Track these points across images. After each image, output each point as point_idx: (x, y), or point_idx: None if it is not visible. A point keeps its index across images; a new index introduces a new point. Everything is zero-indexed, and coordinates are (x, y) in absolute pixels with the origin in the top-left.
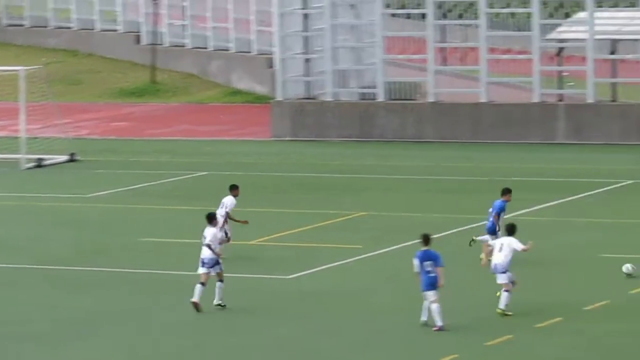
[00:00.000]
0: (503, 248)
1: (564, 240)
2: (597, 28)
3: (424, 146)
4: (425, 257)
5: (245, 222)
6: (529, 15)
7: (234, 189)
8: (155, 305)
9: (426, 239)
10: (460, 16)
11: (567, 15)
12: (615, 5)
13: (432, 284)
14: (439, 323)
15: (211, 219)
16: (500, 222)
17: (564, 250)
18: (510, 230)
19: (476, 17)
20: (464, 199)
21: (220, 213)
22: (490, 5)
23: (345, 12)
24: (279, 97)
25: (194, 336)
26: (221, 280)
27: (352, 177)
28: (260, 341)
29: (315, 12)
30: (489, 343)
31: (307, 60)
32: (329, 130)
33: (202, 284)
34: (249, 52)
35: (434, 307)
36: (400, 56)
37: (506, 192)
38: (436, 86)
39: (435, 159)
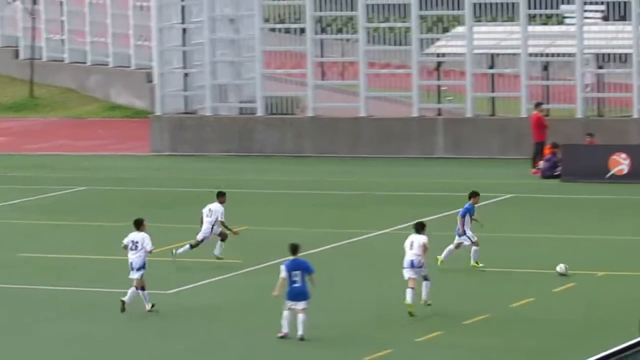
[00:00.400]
0: (414, 245)
1: (442, 254)
2: (475, 43)
3: (303, 161)
4: (294, 266)
5: (236, 232)
6: (407, 29)
7: (221, 196)
8: (35, 320)
9: (294, 249)
10: (339, 31)
11: (446, 30)
12: (493, 20)
13: (298, 294)
14: (300, 332)
15: (139, 224)
16: (466, 225)
17: (443, 263)
18: (420, 228)
19: (355, 32)
20: (344, 213)
21: (209, 221)
22: (369, 20)
23: (224, 26)
24: (158, 111)
25: (74, 352)
26: (136, 287)
27: (232, 192)
28: (141, 358)
29: (194, 27)
30: (366, 358)
31: (186, 75)
32: (208, 145)
33: (137, 287)
34: (128, 66)
35: (301, 316)
36: (280, 71)
37: (474, 195)
38: (315, 101)
39: (315, 174)
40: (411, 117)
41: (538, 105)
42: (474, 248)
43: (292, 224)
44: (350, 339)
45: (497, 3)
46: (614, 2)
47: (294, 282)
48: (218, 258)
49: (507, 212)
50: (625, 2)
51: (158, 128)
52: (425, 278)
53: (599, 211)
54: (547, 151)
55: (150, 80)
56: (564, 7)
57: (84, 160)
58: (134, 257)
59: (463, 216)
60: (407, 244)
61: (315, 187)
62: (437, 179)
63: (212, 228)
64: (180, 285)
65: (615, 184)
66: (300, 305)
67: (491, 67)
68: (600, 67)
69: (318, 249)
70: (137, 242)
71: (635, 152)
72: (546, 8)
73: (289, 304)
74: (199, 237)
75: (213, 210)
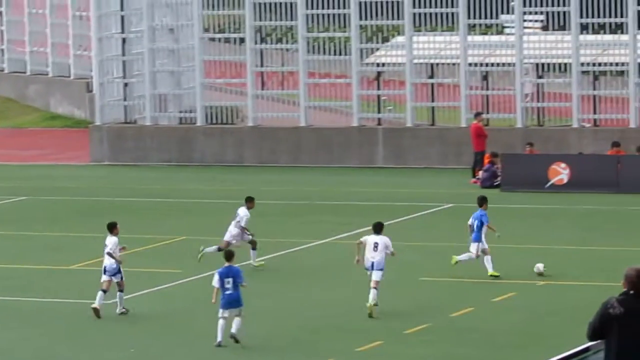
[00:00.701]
0: (379, 247)
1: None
2: (415, 52)
3: (244, 170)
4: (227, 273)
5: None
6: (347, 39)
7: (249, 201)
8: None
9: (229, 256)
10: (279, 40)
11: (386, 40)
12: (433, 30)
13: (231, 302)
14: (233, 330)
15: (112, 227)
16: (483, 230)
17: (386, 274)
18: (379, 229)
19: (295, 42)
20: (284, 222)
21: (233, 225)
22: (309, 30)
23: (164, 36)
24: (98, 121)
25: None
26: (121, 290)
27: (172, 202)
28: None
29: (133, 37)
30: None
31: (126, 85)
32: (148, 155)
33: (104, 291)
34: (68, 76)
35: (237, 320)
36: (220, 80)
37: (483, 201)
38: (255, 110)
39: (255, 183)
40: (351, 127)
41: (478, 115)
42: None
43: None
44: (290, 348)
45: (436, 13)
46: (553, 12)
47: (227, 289)
48: (256, 267)
49: (447, 221)
50: (564, 12)
51: (98, 138)
52: (375, 287)
53: (538, 220)
54: (486, 161)
55: (90, 90)
56: (503, 17)
57: (24, 170)
58: (108, 262)
59: (476, 223)
60: (369, 245)
61: (255, 196)
62: (377, 189)
63: (241, 234)
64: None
65: (555, 193)
66: (235, 312)
67: (431, 76)
68: (539, 77)
69: (258, 259)
70: (106, 246)
71: (574, 162)
72: (486, 18)
73: (224, 312)
74: (225, 239)
75: (239, 215)
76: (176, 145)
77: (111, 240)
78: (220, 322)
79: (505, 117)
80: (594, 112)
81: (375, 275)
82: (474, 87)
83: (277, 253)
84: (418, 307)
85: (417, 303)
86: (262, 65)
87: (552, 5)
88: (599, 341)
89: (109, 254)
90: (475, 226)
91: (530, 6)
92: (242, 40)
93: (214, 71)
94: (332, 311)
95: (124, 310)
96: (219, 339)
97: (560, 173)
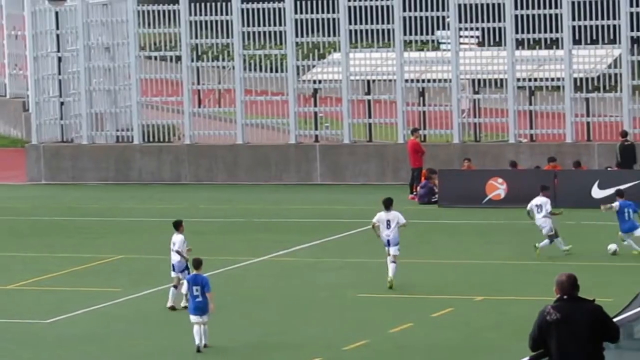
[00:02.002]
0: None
1: (320, 280)
2: (351, 69)
3: (181, 188)
4: (195, 281)
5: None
6: (283, 56)
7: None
8: None
9: (197, 263)
10: (216, 58)
11: (322, 57)
12: (369, 47)
13: (199, 309)
14: (204, 341)
15: (178, 225)
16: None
17: (320, 290)
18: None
19: (231, 59)
20: (222, 240)
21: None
22: (245, 47)
23: (100, 54)
24: (34, 140)
25: None
26: (175, 287)
27: (110, 220)
28: None
29: (69, 55)
30: None
31: (62, 104)
32: (85, 174)
33: (175, 286)
34: (3, 95)
35: (204, 327)
36: (156, 98)
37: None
38: (192, 128)
39: (192, 201)
40: (288, 144)
41: (415, 131)
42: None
43: (169, 252)
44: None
45: (372, 29)
46: (488, 28)
47: (196, 296)
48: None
49: None
50: (499, 28)
51: (34, 157)
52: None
53: (476, 236)
54: (423, 177)
55: (26, 109)
56: (439, 33)
57: None
58: (175, 259)
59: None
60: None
61: (193, 214)
62: (314, 206)
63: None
64: (58, 314)
65: (492, 208)
66: (203, 319)
67: (367, 93)
68: (476, 93)
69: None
70: (174, 243)
71: (511, 177)
72: (422, 34)
73: (194, 318)
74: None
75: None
76: (113, 164)
77: (178, 238)
78: (195, 328)
79: (442, 133)
80: (531, 127)
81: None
82: (410, 104)
83: (215, 271)
84: (356, 324)
85: (355, 319)
86: (198, 83)
87: (488, 21)
88: (540, 351)
89: (178, 252)
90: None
91: (465, 22)
92: (178, 58)
93: (150, 89)
94: (270, 328)
95: (172, 304)
96: (196, 341)
97: (498, 188)
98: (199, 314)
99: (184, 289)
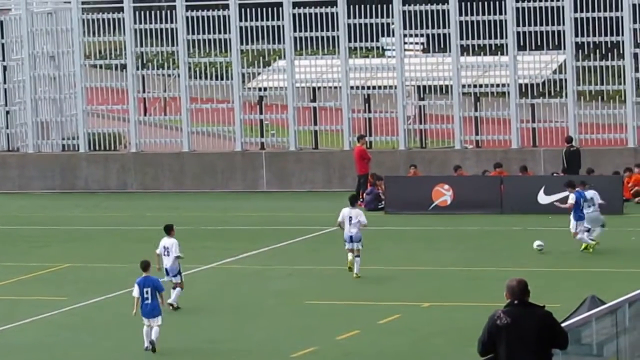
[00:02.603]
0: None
1: (268, 288)
2: (297, 76)
3: (127, 196)
4: (145, 283)
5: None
6: (228, 64)
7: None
8: None
9: (145, 266)
10: (161, 66)
11: (267, 64)
12: (314, 54)
13: (151, 311)
14: (154, 342)
15: (169, 230)
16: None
17: (268, 297)
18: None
19: (176, 67)
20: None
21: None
22: (190, 55)
23: (45, 63)
24: None
25: None
26: (182, 288)
27: (56, 229)
28: None
29: (14, 64)
30: None
31: (8, 112)
32: (31, 182)
33: (174, 288)
34: None
35: (155, 329)
36: (102, 107)
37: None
38: (138, 136)
39: (139, 209)
40: (234, 152)
41: (361, 137)
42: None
43: (116, 260)
44: None
45: (317, 37)
46: (433, 34)
47: (146, 299)
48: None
49: (332, 245)
50: (444, 34)
51: None
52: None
53: (423, 242)
54: (370, 183)
55: None
56: (384, 40)
57: None
58: (168, 263)
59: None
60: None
61: (139, 222)
62: (261, 213)
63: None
64: (5, 323)
65: (439, 215)
66: (154, 321)
67: (313, 100)
68: (421, 99)
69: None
70: (168, 248)
71: (457, 183)
72: (366, 41)
73: (145, 321)
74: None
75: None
76: (59, 172)
77: (171, 242)
78: (145, 329)
79: (387, 140)
80: (476, 134)
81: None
82: (356, 110)
83: (162, 279)
84: (304, 331)
85: (303, 326)
86: (144, 91)
87: (432, 28)
88: (490, 356)
89: (178, 257)
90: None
91: (410, 29)
92: (123, 66)
93: (96, 98)
94: (218, 335)
95: (175, 304)
96: (145, 344)
97: (444, 194)
98: (150, 316)
99: (135, 292)
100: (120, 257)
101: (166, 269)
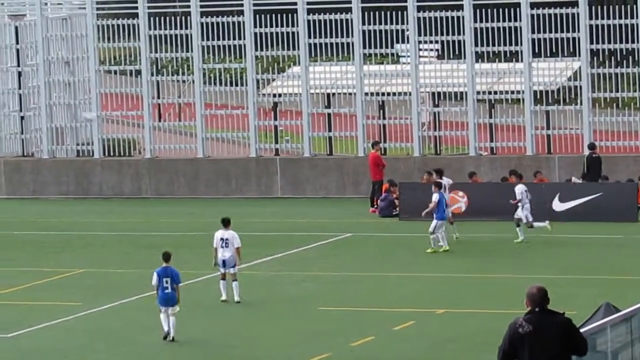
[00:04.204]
0: (228, 244)
1: (281, 293)
2: (311, 82)
3: (142, 202)
4: (165, 273)
5: None
6: (243, 70)
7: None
8: None
9: (167, 256)
10: (176, 72)
11: (282, 70)
12: (329, 60)
13: (167, 300)
14: (172, 334)
15: (227, 222)
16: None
17: (282, 303)
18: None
19: (191, 73)
20: (182, 254)
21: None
22: (205, 61)
23: (60, 69)
24: None
25: None
26: (236, 280)
27: (70, 234)
28: None
29: (29, 70)
30: None
31: (23, 118)
32: (46, 188)
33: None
34: None
35: (172, 318)
36: (116, 112)
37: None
38: (153, 142)
39: (153, 215)
40: (249, 158)
41: (375, 144)
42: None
43: (130, 265)
44: None
45: (332, 43)
46: (448, 41)
47: (165, 288)
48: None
49: (346, 251)
50: (459, 41)
51: None
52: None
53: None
54: (386, 190)
55: None
56: (398, 47)
57: None
58: (227, 255)
59: None
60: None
61: (153, 228)
62: (275, 219)
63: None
64: (19, 328)
65: (454, 222)
66: (170, 310)
67: (327, 106)
68: (435, 106)
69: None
70: (227, 240)
71: (472, 190)
72: (381, 47)
73: (162, 309)
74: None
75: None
76: (74, 178)
77: (232, 234)
78: (162, 315)
79: (402, 146)
80: (491, 140)
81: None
82: (370, 117)
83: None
84: (317, 337)
85: (316, 332)
86: (158, 97)
87: (447, 34)
88: None
89: (238, 249)
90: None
91: (425, 35)
92: (138, 72)
93: (110, 103)
94: (232, 341)
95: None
96: (165, 329)
97: (458, 201)
98: (167, 305)
99: (154, 280)
100: (134, 262)
101: (224, 261)
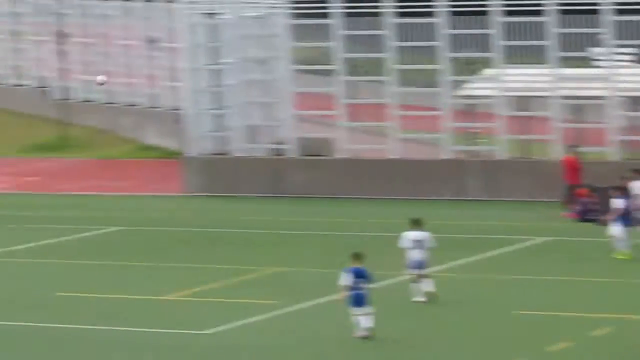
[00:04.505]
0: (422, 245)
1: (476, 297)
2: (506, 85)
3: (335, 202)
4: (357, 273)
5: None
6: (437, 71)
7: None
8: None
9: (358, 257)
10: (370, 72)
11: (477, 72)
12: (523, 63)
13: (359, 300)
14: (364, 332)
15: (419, 222)
16: None
17: (476, 306)
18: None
19: (385, 74)
20: (375, 254)
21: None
22: (399, 62)
23: (255, 67)
24: (190, 152)
25: None
26: (427, 280)
27: (265, 233)
28: None
29: (224, 68)
30: None
31: (218, 116)
32: (240, 186)
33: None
34: (158, 107)
35: (367, 318)
36: (310, 112)
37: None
38: (347, 142)
39: (346, 215)
40: (443, 159)
41: (572, 147)
42: None
43: (324, 265)
44: None
45: (526, 46)
46: None
47: (356, 288)
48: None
49: (541, 255)
50: None
51: (190, 169)
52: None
53: (636, 252)
54: (582, 194)
55: (181, 122)
56: (594, 50)
57: (117, 201)
58: (419, 256)
59: None
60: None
61: (346, 228)
62: (469, 221)
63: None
64: (217, 325)
65: None
66: (363, 310)
67: (522, 109)
68: (634, 110)
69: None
70: (420, 240)
71: None
72: (576, 50)
73: (354, 310)
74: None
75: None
76: (268, 176)
77: (426, 235)
78: (354, 318)
79: (599, 150)
80: None
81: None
82: (566, 120)
83: (383, 282)
84: (511, 341)
85: (511, 337)
86: (352, 97)
87: None
88: None
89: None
90: None
91: (621, 39)
92: (332, 72)
93: (304, 103)
94: (422, 343)
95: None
96: (358, 328)
97: None
98: (359, 305)
99: (344, 280)
100: (328, 262)
101: (416, 262)
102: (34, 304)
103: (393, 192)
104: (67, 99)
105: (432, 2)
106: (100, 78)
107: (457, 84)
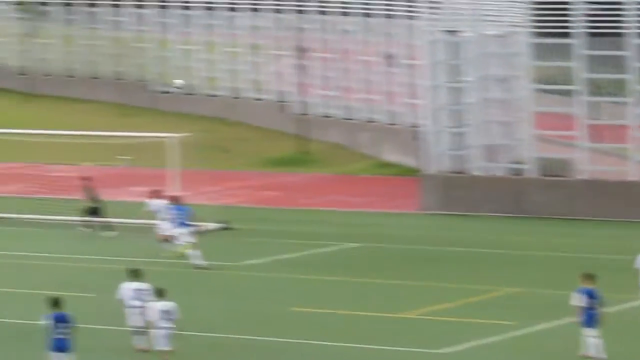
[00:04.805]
0: None
1: None
2: None
3: (575, 223)
4: (590, 294)
5: None
6: None
7: None
8: None
9: (589, 277)
10: (612, 93)
11: None
12: None
13: (592, 321)
14: (594, 354)
15: None
16: None
17: None
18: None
19: (627, 94)
20: (610, 276)
21: None
22: None
23: (495, 86)
24: (428, 170)
25: None
26: None
27: (503, 253)
28: None
29: (463, 86)
30: None
31: (457, 134)
32: (478, 205)
33: None
34: (396, 124)
35: (596, 340)
36: (549, 132)
37: None
38: (587, 163)
39: (586, 237)
40: None
41: None
42: None
43: (561, 286)
44: None
45: None
46: None
47: (591, 308)
48: None
49: None
50: None
51: (428, 187)
52: None
53: None
54: None
55: (418, 139)
56: None
57: (354, 216)
58: None
59: None
60: None
61: (585, 250)
62: None
63: None
64: (453, 344)
65: None
66: (592, 331)
67: None
68: None
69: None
70: None
71: None
72: None
73: (586, 331)
74: None
75: None
76: (507, 196)
77: None
78: (586, 339)
79: None
80: None
81: None
82: None
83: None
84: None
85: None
86: (594, 118)
87: None
88: None
89: None
90: None
91: None
92: (573, 92)
93: (544, 122)
94: None
95: None
96: (589, 351)
97: None
98: (590, 327)
99: (578, 299)
100: (562, 283)
101: None
102: (265, 319)
103: (632, 214)
104: (306, 114)
105: None
106: (178, 82)
107: None
